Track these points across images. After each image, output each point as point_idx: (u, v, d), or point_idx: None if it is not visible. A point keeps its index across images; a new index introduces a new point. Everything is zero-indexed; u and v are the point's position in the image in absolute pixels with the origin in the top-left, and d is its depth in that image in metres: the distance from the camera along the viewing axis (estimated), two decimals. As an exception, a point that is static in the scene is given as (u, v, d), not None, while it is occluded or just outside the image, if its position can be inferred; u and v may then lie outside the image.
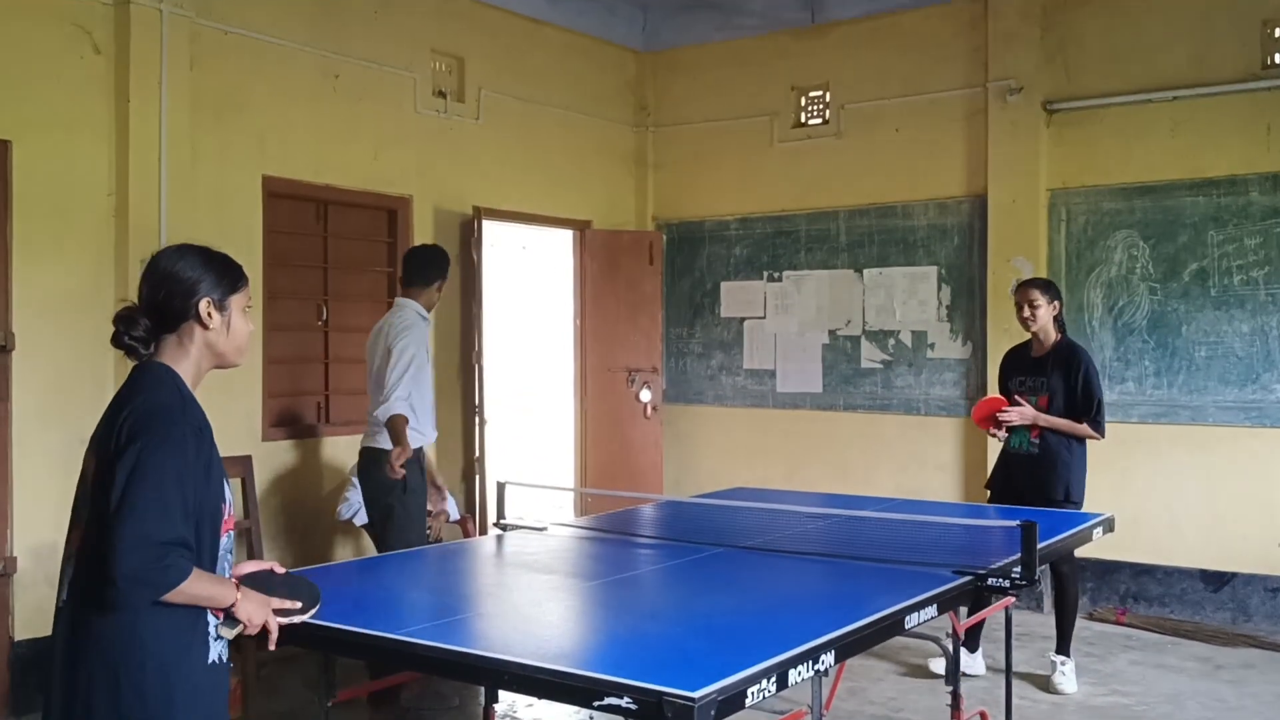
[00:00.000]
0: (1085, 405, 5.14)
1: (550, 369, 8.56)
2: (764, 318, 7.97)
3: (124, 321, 2.31)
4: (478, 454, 6.84)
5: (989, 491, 5.45)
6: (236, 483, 5.37)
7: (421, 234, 6.68)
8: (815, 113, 7.79)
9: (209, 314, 2.33)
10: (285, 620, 2.44)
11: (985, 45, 6.98)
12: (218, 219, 5.63)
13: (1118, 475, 6.53)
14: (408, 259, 5.08)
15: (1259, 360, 6.18)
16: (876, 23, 7.43)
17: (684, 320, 8.31)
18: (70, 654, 2.22)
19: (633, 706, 2.30)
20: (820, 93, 7.74)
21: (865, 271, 7.54)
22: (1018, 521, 3.45)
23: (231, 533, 2.39)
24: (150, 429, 2.18)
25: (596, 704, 2.35)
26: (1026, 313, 5.25)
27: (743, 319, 8.06)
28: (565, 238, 7.93)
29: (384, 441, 4.74)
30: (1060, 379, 5.18)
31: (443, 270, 5.02)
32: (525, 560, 3.86)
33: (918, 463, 7.25)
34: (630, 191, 8.35)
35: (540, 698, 2.55)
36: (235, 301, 2.38)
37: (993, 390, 5.83)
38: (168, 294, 2.32)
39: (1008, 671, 4.75)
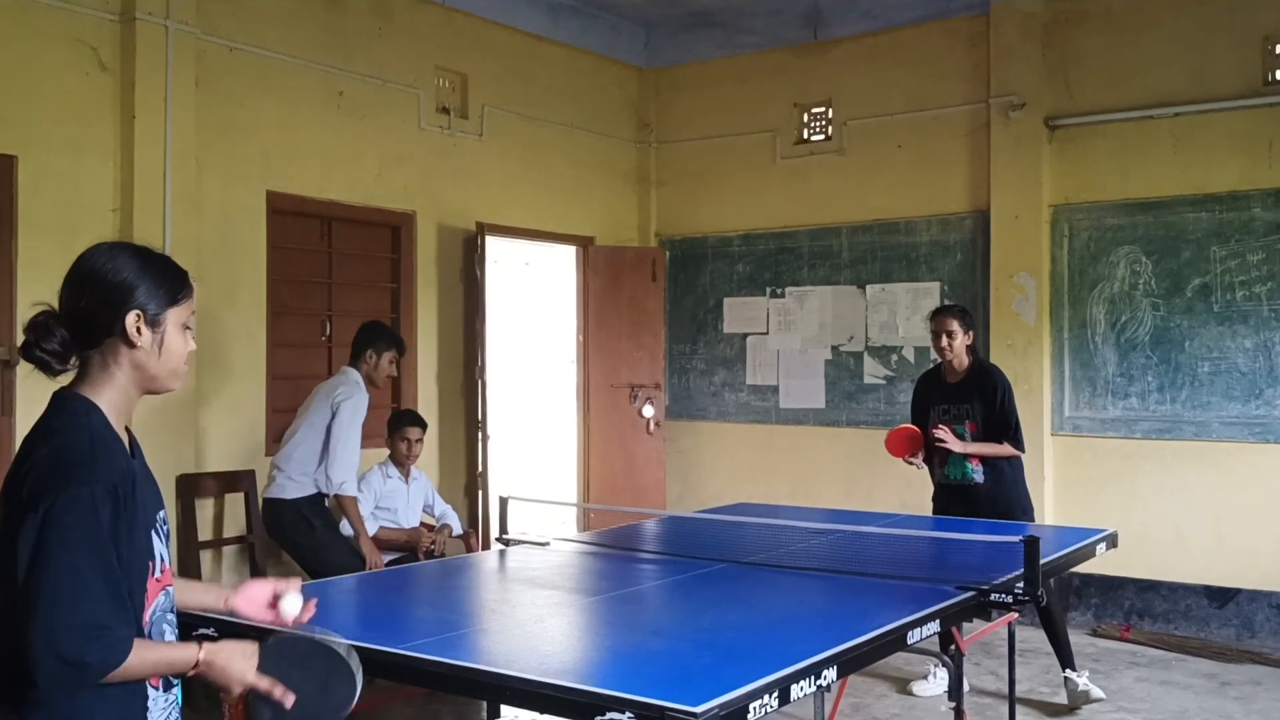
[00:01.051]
0: (1003, 426, 5.14)
1: (553, 385, 8.56)
2: (767, 334, 7.98)
3: (37, 329, 1.90)
4: (480, 469, 6.84)
5: None
6: (238, 498, 5.36)
7: (425, 250, 6.70)
8: (818, 129, 7.81)
9: (137, 330, 1.91)
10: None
11: (987, 61, 7.01)
12: (222, 235, 5.65)
13: (1122, 491, 6.53)
14: (356, 334, 5.39)
15: (1263, 376, 6.17)
16: (878, 39, 7.46)
17: (687, 336, 8.31)
18: None
19: (634, 721, 2.30)
20: (823, 109, 7.77)
21: (868, 287, 7.55)
22: (1020, 537, 3.44)
23: (170, 589, 2.01)
24: (52, 489, 1.78)
25: (599, 719, 2.34)
26: (943, 341, 5.25)
27: (745, 335, 8.07)
28: (568, 254, 7.94)
29: (291, 491, 5.06)
30: (980, 403, 5.19)
31: (383, 343, 5.25)
32: (528, 575, 3.86)
33: (921, 479, 7.18)
34: (633, 208, 8.37)
35: (542, 713, 2.53)
36: (172, 316, 1.95)
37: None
38: (92, 301, 1.90)
39: (1011, 689, 4.73)
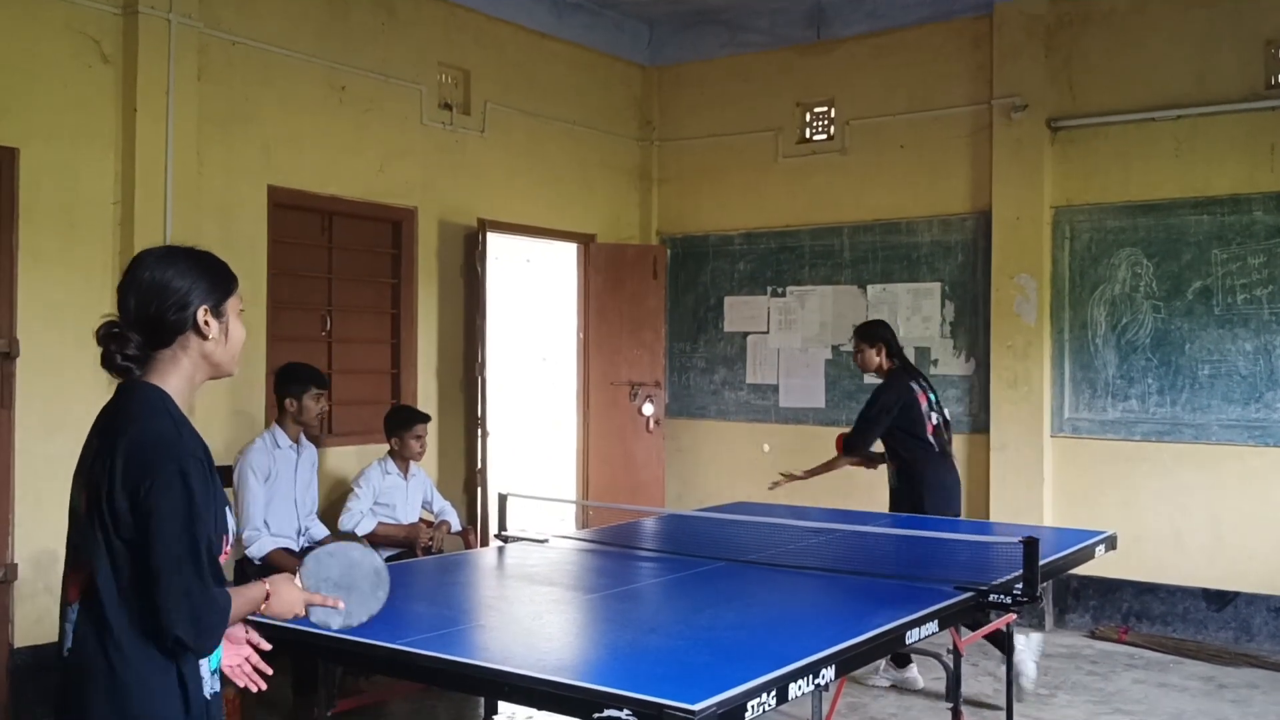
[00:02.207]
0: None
1: (553, 382, 8.56)
2: (767, 333, 7.97)
3: (115, 340, 2.08)
4: (480, 465, 6.84)
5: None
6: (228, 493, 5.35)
7: (426, 246, 6.69)
8: (820, 128, 7.80)
9: (206, 323, 2.10)
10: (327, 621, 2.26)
11: (990, 63, 7.00)
12: (223, 228, 5.64)
13: (1121, 493, 6.53)
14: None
15: (1262, 379, 6.17)
16: (881, 39, 7.45)
17: (687, 335, 8.31)
18: (77, 711, 2.03)
19: (632, 718, 2.30)
20: (825, 109, 7.76)
21: (869, 287, 7.54)
22: (1019, 538, 3.44)
23: (228, 561, 2.29)
24: (155, 467, 1.97)
25: (596, 716, 2.34)
26: (857, 358, 5.80)
27: (746, 334, 8.06)
28: (569, 251, 7.94)
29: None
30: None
31: (296, 385, 5.17)
32: (526, 572, 3.85)
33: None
34: (635, 206, 8.37)
35: (540, 709, 2.54)
36: (231, 306, 2.16)
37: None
38: (160, 306, 2.07)
39: (1009, 690, 4.74)
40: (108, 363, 2.09)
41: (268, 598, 2.14)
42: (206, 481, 2.03)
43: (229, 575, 5.24)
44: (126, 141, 5.25)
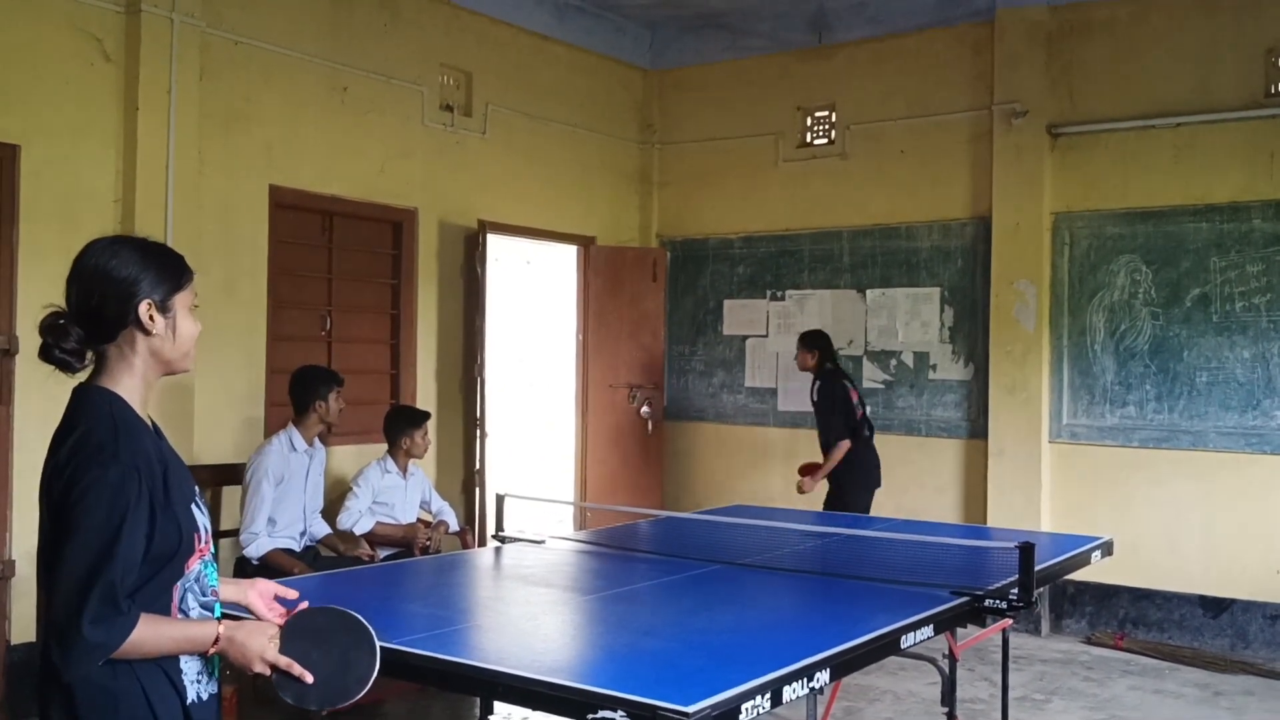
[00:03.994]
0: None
1: (552, 384, 8.57)
2: (766, 336, 7.98)
3: (52, 332, 1.97)
4: (478, 466, 6.84)
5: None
6: (235, 490, 5.35)
7: (426, 247, 6.70)
8: (820, 133, 7.81)
9: (150, 318, 1.98)
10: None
11: (990, 69, 7.01)
12: (224, 228, 5.65)
13: (1118, 499, 6.54)
14: (293, 388, 5.35)
15: (1260, 386, 6.17)
16: (882, 45, 7.47)
17: (686, 338, 8.32)
18: (44, 714, 1.95)
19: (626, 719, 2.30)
20: (826, 113, 7.77)
21: (868, 292, 7.55)
22: (1015, 543, 3.45)
23: (208, 559, 2.07)
24: (80, 473, 1.87)
25: (590, 717, 2.34)
26: (797, 360, 6.67)
27: (745, 337, 8.07)
28: (569, 253, 7.95)
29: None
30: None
31: (324, 386, 5.22)
32: (522, 573, 3.86)
33: (918, 484, 7.24)
34: (635, 208, 8.38)
35: (534, 709, 2.54)
36: (180, 301, 2.02)
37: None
38: (102, 297, 1.96)
39: (1004, 695, 4.74)
40: (45, 355, 1.98)
41: (217, 641, 1.96)
42: (147, 487, 1.90)
43: (229, 572, 5.25)
44: (128, 139, 5.26)
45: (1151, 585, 6.46)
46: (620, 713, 2.30)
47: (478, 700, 4.06)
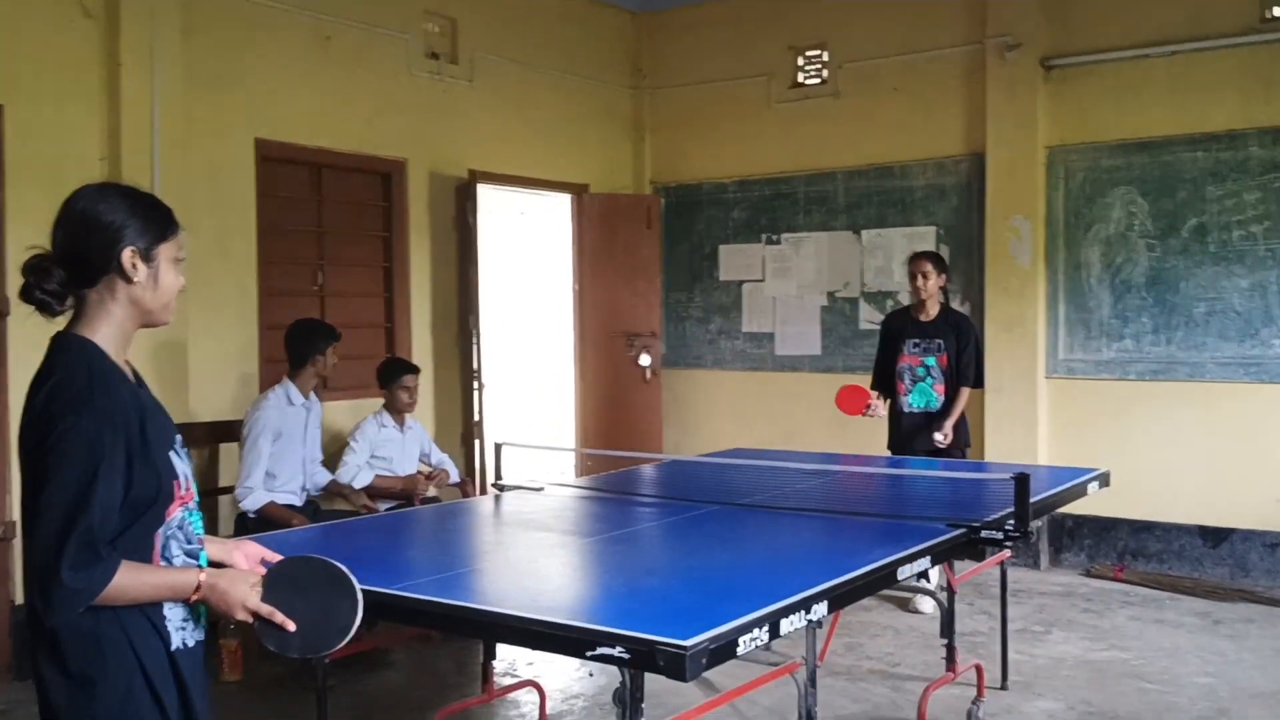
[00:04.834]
0: (968, 369, 5.84)
1: (550, 335, 8.56)
2: (762, 280, 7.96)
3: (35, 272, 1.98)
4: (476, 418, 6.85)
5: (892, 451, 6.03)
6: (232, 447, 5.36)
7: (416, 198, 6.66)
8: (813, 73, 7.73)
9: (133, 265, 1.99)
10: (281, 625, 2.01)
11: (983, 1, 6.92)
12: (212, 184, 5.61)
13: (1116, 433, 6.55)
14: (289, 342, 5.34)
15: (1258, 316, 6.16)
16: (873, -20, 7.36)
17: (682, 284, 8.29)
18: (34, 661, 1.98)
19: (625, 655, 2.31)
20: (818, 52, 7.69)
21: (864, 233, 7.51)
22: (1011, 475, 3.45)
23: (191, 507, 2.08)
24: (55, 419, 1.88)
25: (590, 654, 2.36)
26: (919, 281, 5.86)
27: (741, 282, 8.05)
28: (563, 204, 7.89)
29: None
30: (952, 343, 5.84)
31: (322, 340, 5.23)
32: (522, 519, 3.87)
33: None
34: (627, 155, 8.31)
35: (535, 649, 2.56)
36: (164, 251, 2.03)
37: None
38: (86, 241, 1.98)
39: (1003, 626, 4.78)
40: (25, 294, 2.00)
41: (199, 588, 1.98)
42: (124, 434, 1.91)
43: (229, 529, 5.28)
44: (111, 98, 5.21)
45: (1150, 517, 6.49)
46: (619, 649, 2.31)
47: (481, 646, 4.10)
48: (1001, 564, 4.70)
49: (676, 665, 2.23)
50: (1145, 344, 6.49)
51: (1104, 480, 4.59)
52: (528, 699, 4.39)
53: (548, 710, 4.17)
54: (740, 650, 2.39)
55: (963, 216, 7.12)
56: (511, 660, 4.90)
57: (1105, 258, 6.61)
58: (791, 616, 2.58)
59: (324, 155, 6.19)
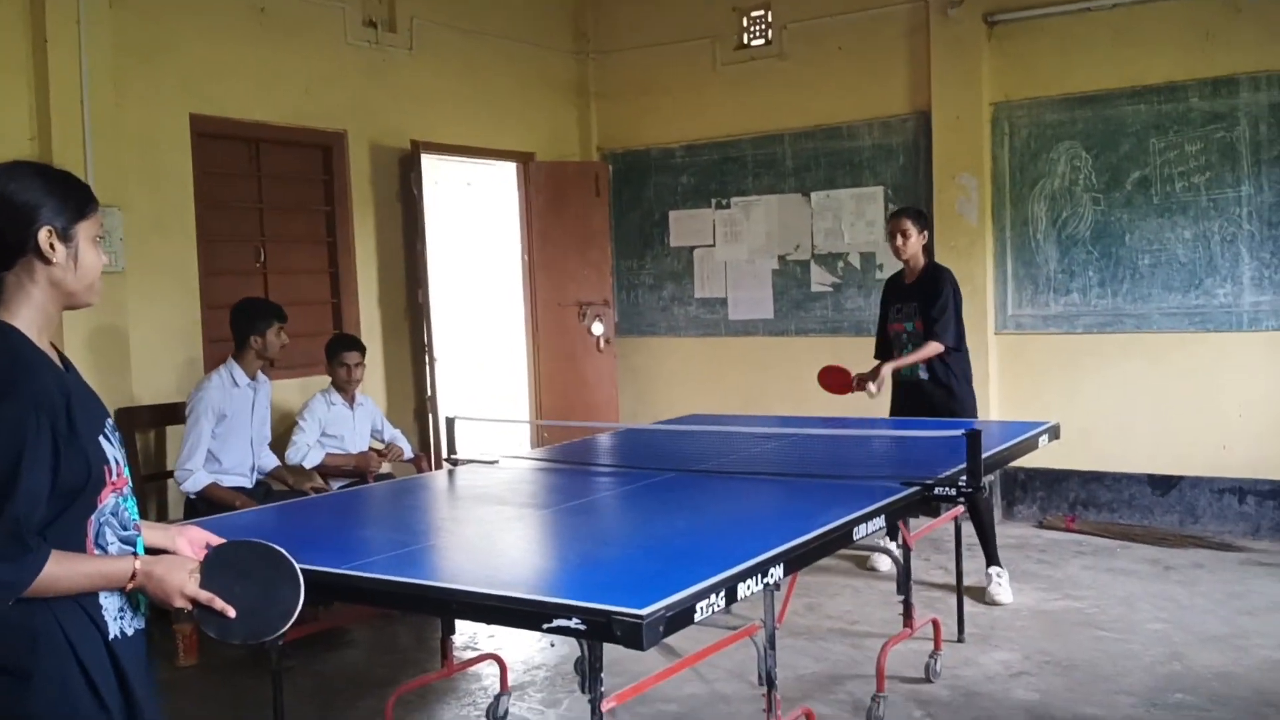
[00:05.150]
0: (935, 324, 5.33)
1: (502, 307, 8.47)
2: (713, 245, 7.93)
3: None
4: (429, 393, 6.78)
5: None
6: (179, 429, 5.25)
7: (359, 171, 6.54)
8: (757, 33, 7.67)
9: (50, 246, 1.92)
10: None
11: (925, -42, 6.89)
12: (146, 161, 5.47)
13: (1065, 386, 6.62)
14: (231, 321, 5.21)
15: (1201, 266, 6.23)
16: (815, -62, 7.30)
17: (633, 252, 8.24)
18: None
19: (582, 627, 2.29)
20: (762, 12, 7.62)
21: (813, 195, 7.50)
22: (962, 431, 3.46)
23: (125, 493, 2.01)
24: None
25: (546, 626, 2.33)
26: (899, 241, 5.47)
27: (692, 248, 8.01)
28: (509, 173, 7.80)
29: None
30: (926, 301, 5.40)
31: (261, 321, 5.06)
32: (476, 493, 3.83)
33: (870, 383, 7.27)
34: (573, 122, 8.22)
35: (490, 624, 2.53)
36: (83, 230, 1.96)
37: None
38: (1, 223, 1.91)
39: (959, 581, 4.83)
40: None
41: (134, 576, 1.91)
42: (49, 420, 1.84)
43: (179, 513, 5.19)
44: (39, 74, 5.05)
45: (1101, 468, 6.58)
46: (575, 620, 2.29)
47: (439, 623, 4.06)
48: (956, 519, 4.74)
49: (633, 635, 2.21)
50: (1092, 297, 6.55)
51: (1054, 433, 4.63)
52: (489, 671, 4.36)
53: (510, 682, 4.15)
54: (698, 617, 2.38)
55: (910, 175, 7.13)
56: (473, 634, 4.87)
57: (1051, 213, 6.65)
58: (748, 581, 2.57)
59: (262, 129, 6.05)
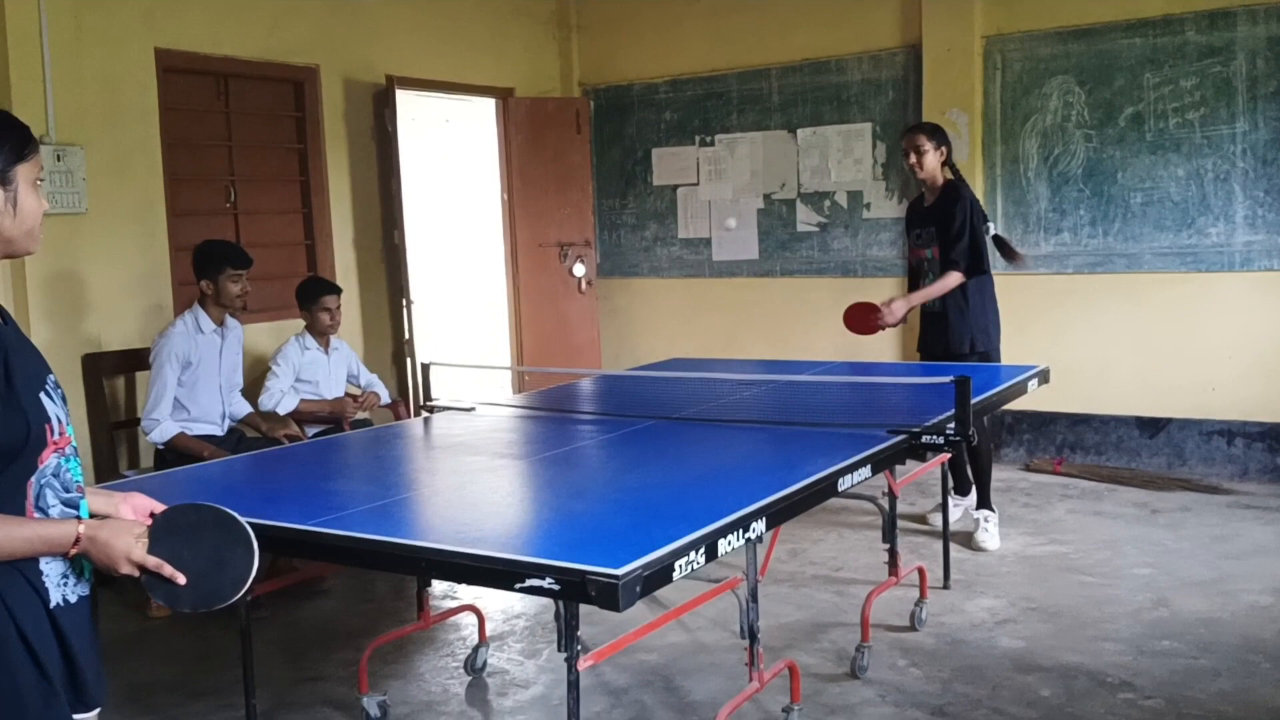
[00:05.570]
0: (952, 250, 5.05)
1: (482, 248, 8.30)
2: (697, 184, 7.76)
3: None
4: (407, 336, 6.64)
5: (920, 354, 5.48)
6: (147, 375, 5.11)
7: (331, 107, 6.34)
8: (742, -36, 7.44)
9: None
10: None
11: (916, -115, 6.66)
12: (109, 98, 5.27)
13: (1054, 326, 6.52)
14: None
15: (1194, 204, 6.11)
16: None
17: (615, 191, 8.07)
18: None
19: (555, 587, 2.20)
20: (747, -58, 7.39)
21: (799, 131, 7.32)
22: (950, 378, 3.36)
23: (68, 453, 1.89)
24: None
25: (519, 586, 2.24)
26: (913, 159, 5.14)
27: (676, 186, 7.84)
28: (488, 109, 7.59)
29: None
30: (943, 226, 5.09)
31: (212, 266, 4.85)
32: (451, 442, 3.73)
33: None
34: (554, 56, 7.99)
35: (461, 583, 2.43)
36: (21, 173, 1.85)
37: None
38: None
39: (945, 526, 4.77)
40: None
41: (78, 541, 1.80)
42: None
43: (150, 462, 5.07)
44: (-6, 9, 4.83)
45: (1088, 410, 6.51)
46: (549, 580, 2.20)
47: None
48: (943, 465, 4.66)
49: (609, 595, 2.12)
50: (1082, 237, 6.43)
51: (1044, 377, 4.55)
52: (468, 621, 4.29)
53: (489, 632, 4.08)
54: (676, 575, 2.29)
55: (899, 112, 6.95)
56: (451, 583, 4.79)
57: (1043, 150, 6.50)
58: (729, 536, 2.48)
59: (230, 64, 5.84)
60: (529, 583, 2.23)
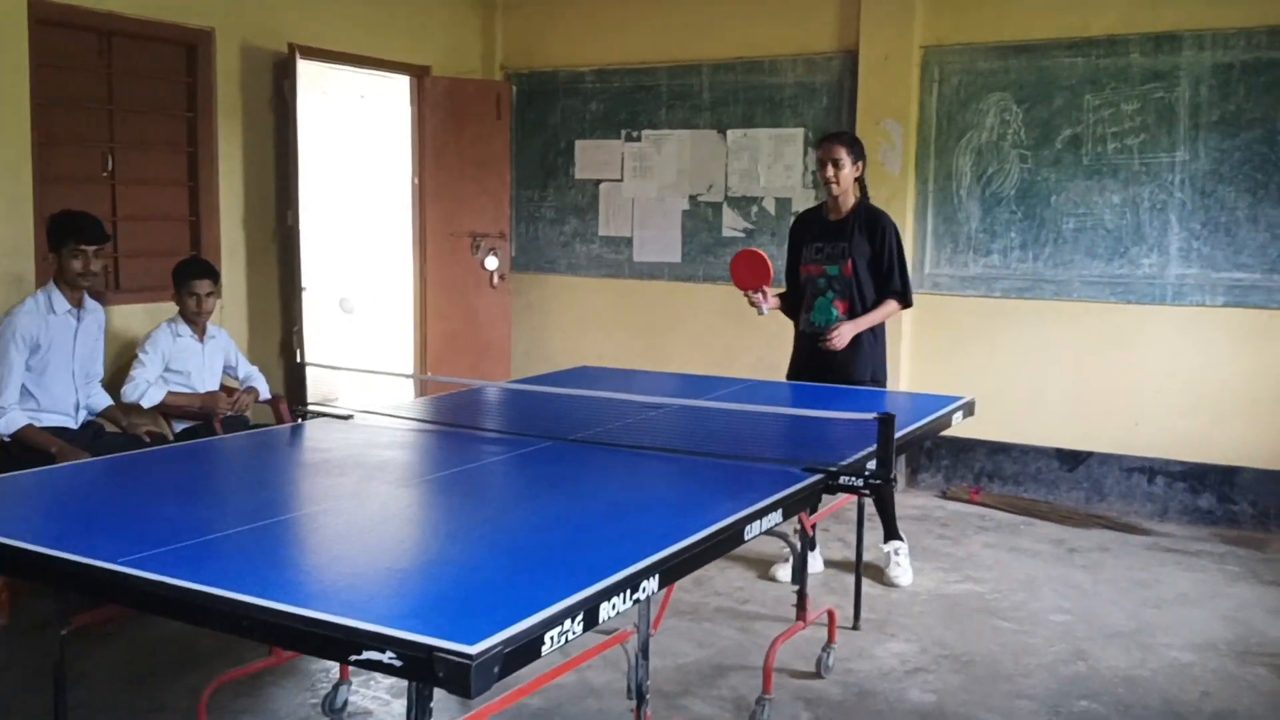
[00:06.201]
0: (890, 279, 4.78)
1: (388, 234, 7.85)
2: (621, 180, 7.41)
3: None
4: (296, 326, 6.18)
5: (791, 378, 5.02)
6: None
7: (226, 74, 5.85)
8: (678, -47, 7.09)
9: None
10: None
11: (862, -117, 6.38)
12: (-34, 47, 4.74)
13: (979, 351, 6.31)
14: None
15: (1128, 233, 5.93)
16: None
17: (535, 182, 7.68)
18: None
19: (397, 663, 1.83)
20: (684, -70, 7.05)
21: (729, 132, 7.01)
22: (875, 415, 3.05)
23: None
24: None
25: (354, 659, 1.86)
26: (830, 171, 4.78)
27: (599, 181, 7.48)
28: (404, 86, 7.14)
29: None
30: (865, 244, 4.78)
31: (54, 240, 4.42)
32: (316, 459, 3.32)
33: (780, 338, 6.86)
34: (475, 35, 7.57)
35: (285, 649, 2.04)
36: None
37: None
38: None
39: (858, 562, 4.50)
40: None
41: None
42: None
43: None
44: None
45: (1009, 439, 6.30)
46: (389, 654, 1.83)
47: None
48: (858, 498, 4.37)
49: (460, 678, 1.76)
50: (1012, 260, 6.22)
51: (969, 409, 4.28)
52: (335, 650, 3.88)
53: (351, 669, 3.68)
54: (545, 649, 1.93)
55: (833, 119, 6.67)
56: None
57: (976, 167, 6.27)
58: (615, 598, 2.13)
59: (115, 20, 5.33)
60: (366, 655, 1.85)
